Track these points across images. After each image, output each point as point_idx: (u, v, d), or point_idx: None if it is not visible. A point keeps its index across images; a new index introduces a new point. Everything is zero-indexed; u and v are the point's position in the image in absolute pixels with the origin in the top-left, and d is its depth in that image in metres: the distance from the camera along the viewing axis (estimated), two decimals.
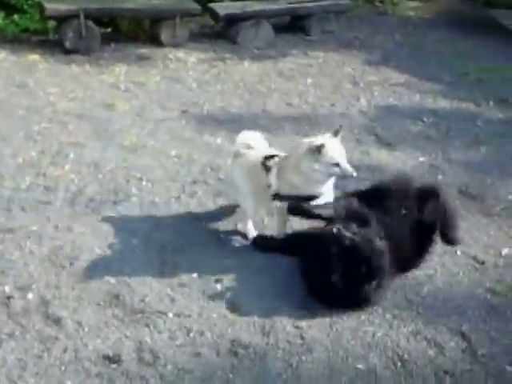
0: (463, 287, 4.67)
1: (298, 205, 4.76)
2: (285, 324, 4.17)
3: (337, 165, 4.52)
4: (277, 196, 4.78)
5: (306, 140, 4.75)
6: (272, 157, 4.86)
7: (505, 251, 5.09)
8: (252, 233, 5.07)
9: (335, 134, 4.66)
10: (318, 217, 4.76)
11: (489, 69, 9.60)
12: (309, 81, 8.79)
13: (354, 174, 4.57)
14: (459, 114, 7.89)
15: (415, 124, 7.54)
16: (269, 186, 4.79)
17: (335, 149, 4.55)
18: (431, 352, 4.03)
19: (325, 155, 4.49)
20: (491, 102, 8.28)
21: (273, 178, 4.77)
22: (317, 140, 4.60)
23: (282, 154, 4.91)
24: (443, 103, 8.22)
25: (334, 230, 4.31)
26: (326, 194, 4.79)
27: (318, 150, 4.48)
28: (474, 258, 4.98)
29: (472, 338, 4.14)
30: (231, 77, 8.80)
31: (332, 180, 4.78)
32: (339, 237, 4.25)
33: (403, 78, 9.06)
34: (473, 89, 8.77)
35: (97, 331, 4.02)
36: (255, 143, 5.11)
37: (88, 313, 4.17)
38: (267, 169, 4.81)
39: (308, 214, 4.78)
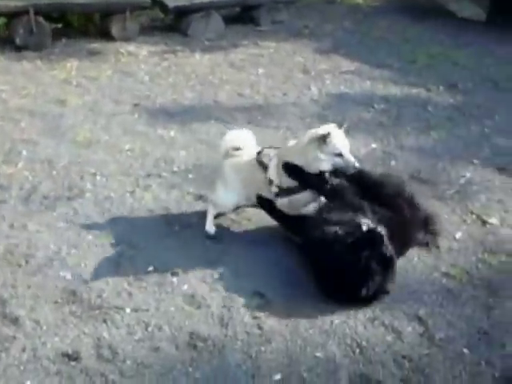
0: (418, 272, 4.72)
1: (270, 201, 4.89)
2: (243, 315, 4.19)
3: (340, 155, 4.57)
4: (280, 192, 4.78)
5: (312, 130, 4.77)
6: (261, 152, 4.89)
7: (458, 235, 5.17)
8: (210, 226, 5.07)
9: (340, 126, 4.73)
10: (284, 217, 4.89)
11: (438, 54, 9.73)
12: (260, 71, 8.80)
13: (357, 165, 4.61)
14: (410, 100, 7.99)
15: (367, 111, 7.61)
16: (270, 182, 4.79)
17: (340, 139, 4.60)
18: (389, 338, 4.08)
19: (329, 144, 4.54)
20: (441, 87, 8.41)
21: (272, 171, 4.78)
22: (322, 129, 4.64)
23: (276, 148, 4.95)
24: (394, 89, 8.30)
25: (364, 227, 4.30)
26: None
27: (324, 139, 4.52)
28: (429, 243, 5.04)
29: (429, 322, 4.21)
30: (183, 69, 8.77)
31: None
32: (374, 239, 4.26)
33: (354, 66, 9.12)
34: (422, 74, 8.90)
35: (55, 329, 3.99)
36: (243, 143, 5.09)
37: (45, 311, 4.14)
38: (263, 165, 4.82)
39: (275, 213, 4.92)
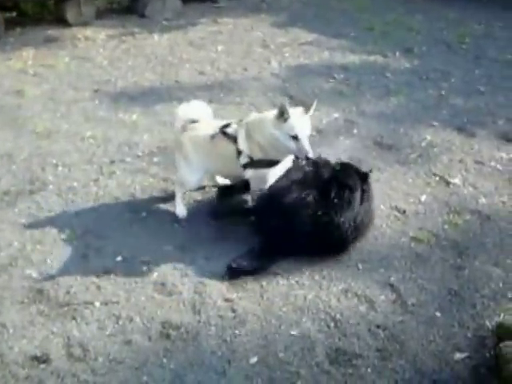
0: (387, 238, 4.77)
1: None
2: (215, 299, 4.16)
3: (296, 138, 4.45)
4: (250, 163, 4.72)
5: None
6: (227, 125, 4.80)
7: (424, 198, 5.24)
8: (180, 209, 5.04)
9: (307, 110, 4.58)
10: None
11: (392, 22, 9.89)
12: (220, 48, 8.77)
13: (310, 155, 4.48)
14: (368, 68, 8.06)
15: (327, 81, 7.64)
16: (239, 154, 4.71)
17: (300, 123, 4.48)
18: (362, 308, 4.10)
19: (287, 124, 4.44)
20: (397, 53, 8.54)
21: (242, 141, 4.70)
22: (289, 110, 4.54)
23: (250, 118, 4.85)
24: (352, 58, 8.37)
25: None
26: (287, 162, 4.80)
27: (284, 118, 4.44)
28: (396, 208, 5.11)
29: (401, 288, 4.25)
30: (142, 51, 8.70)
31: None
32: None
33: (311, 37, 9.17)
34: (379, 42, 9.01)
35: (22, 331, 3.91)
36: (198, 115, 5.00)
37: (11, 313, 4.05)
38: (230, 137, 4.73)
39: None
